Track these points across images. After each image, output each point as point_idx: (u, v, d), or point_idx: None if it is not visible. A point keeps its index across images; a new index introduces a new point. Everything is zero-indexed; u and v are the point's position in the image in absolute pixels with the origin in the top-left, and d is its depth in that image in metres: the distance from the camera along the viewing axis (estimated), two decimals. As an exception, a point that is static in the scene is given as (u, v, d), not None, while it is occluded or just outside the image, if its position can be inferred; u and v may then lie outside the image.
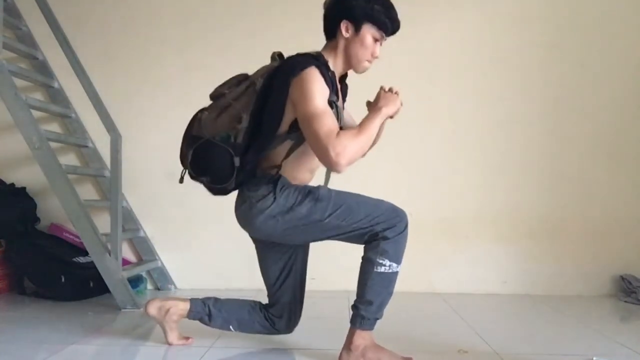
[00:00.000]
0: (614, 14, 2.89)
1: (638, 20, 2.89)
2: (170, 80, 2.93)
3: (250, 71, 1.73)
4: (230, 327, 1.79)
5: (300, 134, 1.52)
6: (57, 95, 2.91)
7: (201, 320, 1.78)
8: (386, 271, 1.56)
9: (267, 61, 1.87)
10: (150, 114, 2.93)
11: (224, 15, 2.92)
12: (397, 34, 1.68)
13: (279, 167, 1.58)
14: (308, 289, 2.85)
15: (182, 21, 2.94)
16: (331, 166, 1.44)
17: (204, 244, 2.90)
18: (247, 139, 1.53)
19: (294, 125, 1.53)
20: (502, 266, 2.86)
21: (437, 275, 2.86)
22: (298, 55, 1.58)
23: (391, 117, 1.61)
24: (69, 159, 2.91)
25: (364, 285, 1.58)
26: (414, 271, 2.83)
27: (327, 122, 1.44)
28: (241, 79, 1.64)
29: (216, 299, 1.80)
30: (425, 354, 1.76)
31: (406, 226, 1.61)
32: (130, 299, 2.39)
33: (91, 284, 2.60)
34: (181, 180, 1.66)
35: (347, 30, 1.61)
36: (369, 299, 1.58)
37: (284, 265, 1.77)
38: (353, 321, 1.62)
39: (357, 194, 1.62)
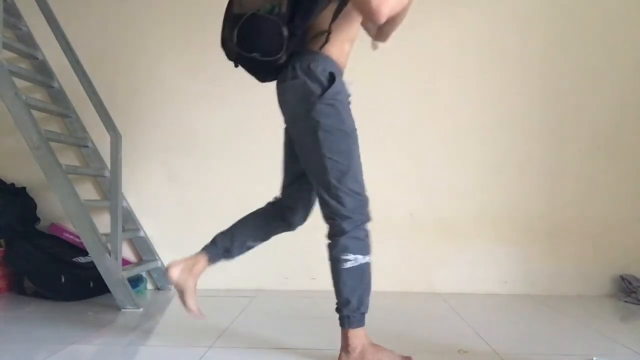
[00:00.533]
0: (615, 13, 2.89)
1: (638, 20, 2.89)
2: (171, 80, 2.93)
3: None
4: (252, 246, 1.79)
5: None
6: (57, 95, 2.91)
7: (224, 259, 1.79)
8: (353, 265, 1.56)
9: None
10: (150, 114, 2.93)
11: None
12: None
13: (329, 31, 1.54)
14: (308, 289, 2.87)
15: (183, 21, 2.94)
16: (371, 16, 1.40)
17: (204, 244, 2.89)
18: (291, 8, 1.48)
19: None
20: (502, 266, 2.86)
21: (437, 275, 2.86)
22: None
23: None
24: (69, 159, 2.90)
25: (337, 285, 1.59)
26: (414, 271, 2.84)
27: None
28: None
29: (224, 233, 1.79)
30: (425, 354, 1.75)
31: (364, 223, 1.59)
32: (130, 299, 2.38)
33: (91, 284, 2.60)
34: (236, 65, 1.61)
35: None
36: (346, 298, 1.58)
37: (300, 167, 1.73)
38: (341, 323, 1.61)
39: (360, 163, 1.61)
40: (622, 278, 2.79)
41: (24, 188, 2.87)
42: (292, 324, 2.10)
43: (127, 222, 2.85)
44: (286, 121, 1.66)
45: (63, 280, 2.55)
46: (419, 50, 2.84)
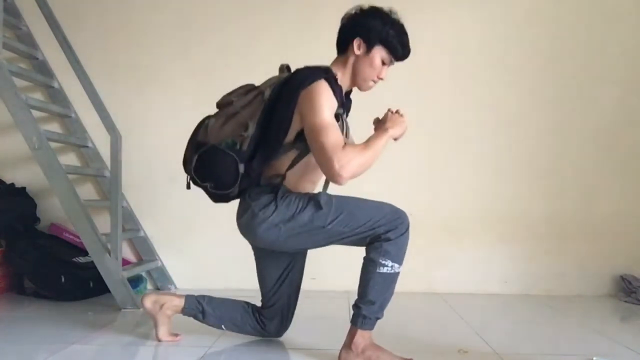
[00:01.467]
0: (616, 13, 2.89)
1: (638, 20, 2.89)
2: (171, 80, 2.93)
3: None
4: (223, 326, 1.82)
5: (306, 145, 1.54)
6: (57, 95, 2.91)
7: (195, 317, 1.81)
8: (388, 272, 1.57)
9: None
10: (151, 114, 2.93)
11: (225, 16, 2.92)
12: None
13: (283, 176, 1.60)
14: (308, 289, 2.86)
15: (183, 21, 2.94)
16: (333, 178, 1.46)
17: (203, 244, 2.90)
18: (252, 147, 1.55)
19: (300, 136, 1.55)
20: (503, 266, 2.86)
21: (437, 275, 2.86)
22: (307, 67, 1.61)
23: (395, 139, 1.66)
24: (69, 159, 2.91)
25: (366, 285, 1.59)
26: (414, 271, 2.83)
27: (334, 134, 1.47)
28: (249, 88, 1.65)
29: (210, 298, 1.82)
30: (425, 354, 1.75)
31: (407, 228, 1.61)
32: (130, 299, 2.39)
33: (91, 284, 2.60)
34: (188, 187, 1.68)
35: (358, 48, 1.65)
36: (370, 299, 1.59)
37: (282, 272, 1.80)
38: (354, 321, 1.62)
39: (358, 198, 1.63)
40: (622, 278, 2.79)
41: (24, 188, 2.87)
42: (292, 324, 2.10)
43: (127, 222, 2.85)
44: (262, 246, 1.69)
45: (63, 280, 2.55)
46: (420, 51, 2.83)
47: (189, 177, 1.66)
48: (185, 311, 1.80)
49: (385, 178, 2.79)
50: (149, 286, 2.90)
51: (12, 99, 2.34)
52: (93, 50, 2.90)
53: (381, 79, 1.68)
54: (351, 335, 1.62)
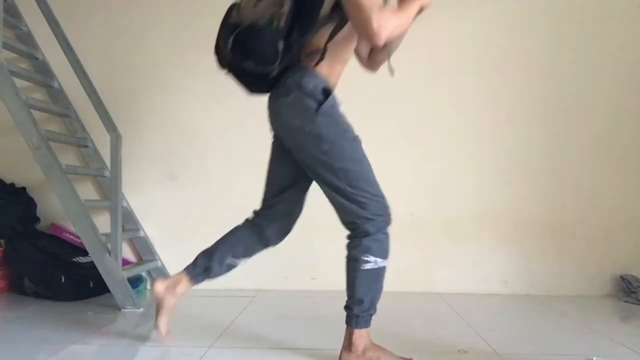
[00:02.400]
0: (616, 14, 2.89)
1: (637, 20, 2.89)
2: (171, 80, 2.93)
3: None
4: (232, 263, 1.80)
5: (342, 16, 1.51)
6: (57, 95, 2.91)
7: (207, 277, 1.80)
8: (372, 267, 1.57)
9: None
10: (150, 114, 2.93)
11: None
12: None
13: (324, 50, 1.55)
14: (308, 289, 2.87)
15: (183, 21, 2.94)
16: (371, 37, 1.42)
17: (204, 244, 2.88)
18: (289, 23, 1.49)
19: (336, 7, 1.51)
20: (503, 266, 2.86)
21: (437, 275, 2.86)
22: None
23: (423, 8, 1.58)
24: (69, 159, 2.90)
25: (353, 284, 1.60)
26: (414, 271, 2.83)
27: None
28: None
29: (204, 252, 1.81)
30: (425, 354, 1.75)
31: (388, 224, 1.61)
32: (130, 299, 2.38)
33: (91, 284, 2.59)
34: (227, 70, 1.62)
35: None
36: (359, 298, 1.59)
37: (292, 173, 1.73)
38: (348, 322, 1.62)
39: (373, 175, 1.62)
40: (622, 278, 2.79)
41: (24, 188, 2.87)
42: (292, 324, 2.10)
43: (127, 222, 2.85)
44: (283, 137, 1.67)
45: (63, 280, 2.55)
46: (420, 51, 2.84)
47: (224, 64, 1.60)
48: (193, 281, 1.78)
49: (385, 178, 2.78)
50: (149, 286, 2.90)
51: (12, 99, 2.34)
52: (93, 50, 2.90)
53: None
54: (348, 336, 1.62)
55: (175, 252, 2.91)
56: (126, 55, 2.95)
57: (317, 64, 1.56)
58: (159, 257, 2.89)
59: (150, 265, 2.82)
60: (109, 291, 2.42)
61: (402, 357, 1.63)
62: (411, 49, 2.45)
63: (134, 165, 2.85)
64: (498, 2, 2.90)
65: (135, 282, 2.70)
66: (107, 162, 2.75)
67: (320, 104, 1.53)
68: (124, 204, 2.80)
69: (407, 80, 2.85)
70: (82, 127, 2.91)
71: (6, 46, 2.56)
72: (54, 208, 2.84)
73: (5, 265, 2.71)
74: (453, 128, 2.89)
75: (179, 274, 1.81)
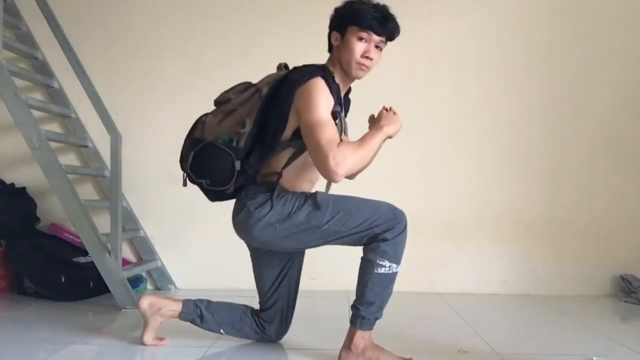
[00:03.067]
0: (616, 14, 2.89)
1: (638, 20, 2.89)
2: (171, 80, 2.93)
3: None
4: (221, 330, 1.80)
5: (302, 143, 1.53)
6: (57, 95, 2.91)
7: (192, 321, 1.78)
8: (386, 272, 1.57)
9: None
10: (150, 114, 2.93)
11: (224, 16, 2.92)
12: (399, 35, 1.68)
13: (280, 174, 1.59)
14: (308, 289, 2.85)
15: (183, 21, 2.94)
16: (329, 174, 1.46)
17: (203, 244, 2.90)
18: (249, 144, 1.54)
19: (297, 134, 1.55)
20: (503, 266, 2.86)
21: (437, 275, 2.86)
22: (305, 66, 1.61)
23: (390, 137, 1.64)
24: (69, 159, 2.90)
25: (364, 286, 1.59)
26: (414, 271, 2.83)
27: (329, 131, 1.46)
28: (247, 86, 1.65)
29: (209, 302, 1.80)
30: (425, 354, 1.75)
31: (405, 227, 1.61)
32: (130, 299, 2.39)
33: (91, 284, 2.60)
34: (184, 184, 1.67)
35: (336, 40, 1.65)
36: (369, 300, 1.58)
37: (279, 272, 1.78)
38: (353, 321, 1.62)
39: (355, 198, 1.62)
40: (622, 278, 2.79)
41: (24, 188, 2.87)
42: (292, 324, 2.10)
43: (127, 222, 2.85)
44: (257, 247, 1.70)
45: (63, 280, 2.55)
46: (419, 51, 2.84)
47: (185, 174, 1.65)
48: (182, 316, 1.77)
49: (385, 178, 2.79)
50: (149, 286, 2.90)
51: (12, 99, 2.34)
52: (93, 50, 2.90)
53: (368, 57, 1.59)
54: (350, 335, 1.62)
55: (175, 252, 2.92)
56: (126, 55, 2.95)
57: (272, 186, 1.58)
58: (159, 257, 2.89)
59: (150, 265, 2.82)
60: (109, 291, 2.42)
61: (401, 357, 1.63)
62: (411, 49, 2.48)
63: (134, 165, 2.85)
64: (498, 3, 2.90)
65: (135, 282, 2.70)
66: (107, 162, 2.75)
67: (272, 201, 1.56)
68: (124, 204, 2.80)
69: (406, 80, 2.85)
70: (82, 127, 2.91)
71: (6, 46, 2.56)
72: (54, 208, 2.84)
73: (5, 265, 2.71)
74: (453, 128, 2.89)
75: (174, 300, 1.80)
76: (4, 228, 2.67)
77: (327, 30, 1.76)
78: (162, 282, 2.89)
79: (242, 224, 1.63)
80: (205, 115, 1.66)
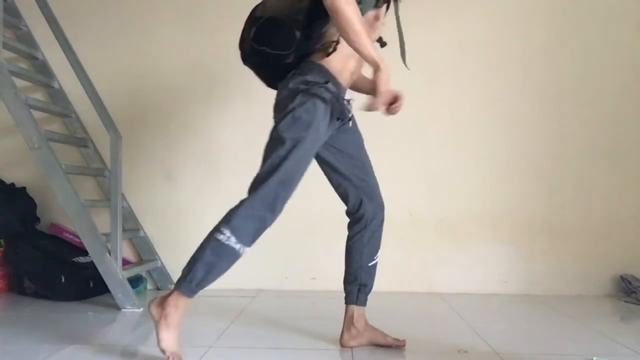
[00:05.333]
0: (616, 14, 2.89)
1: (638, 20, 2.89)
2: (171, 80, 2.93)
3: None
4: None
5: None
6: (57, 95, 2.91)
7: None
8: (222, 241, 1.53)
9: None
10: (150, 114, 2.93)
11: (224, 16, 2.92)
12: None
13: (337, 42, 1.61)
14: (308, 289, 2.86)
15: (183, 21, 2.94)
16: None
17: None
18: (307, 15, 1.59)
19: None
20: (502, 266, 2.86)
21: (437, 275, 2.86)
22: None
23: (378, 74, 1.54)
24: (69, 159, 2.90)
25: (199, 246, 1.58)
26: (414, 271, 2.84)
27: None
28: None
29: None
30: (425, 354, 1.76)
31: (267, 218, 1.57)
32: (130, 299, 2.38)
33: (91, 284, 2.59)
34: (244, 59, 1.70)
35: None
36: (191, 259, 1.57)
37: (342, 166, 1.81)
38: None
39: (300, 165, 1.60)
40: (622, 278, 2.79)
41: (24, 188, 2.87)
42: (292, 324, 2.10)
43: (127, 222, 2.84)
44: (274, 114, 1.69)
45: (63, 280, 2.54)
46: (419, 50, 2.83)
47: (246, 53, 1.68)
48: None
49: (385, 178, 2.79)
50: (149, 286, 2.91)
51: (12, 99, 2.34)
52: (93, 50, 2.90)
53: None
54: (168, 293, 1.59)
55: (175, 252, 2.91)
56: (126, 55, 2.95)
57: (329, 54, 1.62)
58: (159, 257, 2.89)
59: (150, 265, 2.82)
60: (109, 291, 2.41)
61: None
62: (411, 49, 2.45)
63: (134, 165, 2.85)
64: (498, 3, 2.90)
65: (135, 282, 2.70)
66: (107, 162, 2.75)
67: (312, 86, 1.58)
68: (124, 204, 2.79)
69: (406, 80, 2.84)
70: (82, 127, 2.91)
71: (6, 46, 2.56)
72: (54, 208, 2.85)
73: (5, 265, 2.71)
74: (453, 128, 2.89)
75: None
76: (4, 228, 2.67)
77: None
78: (162, 282, 2.89)
79: (283, 87, 1.65)
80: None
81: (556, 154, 2.88)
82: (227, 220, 1.56)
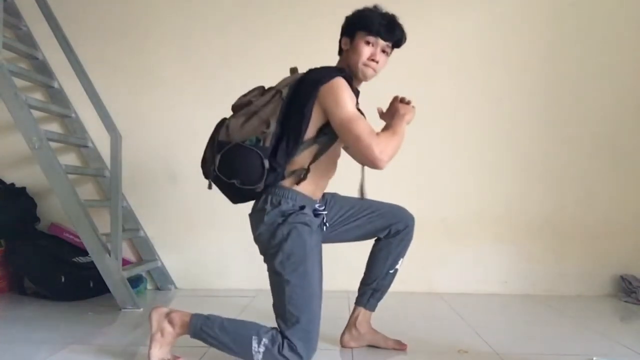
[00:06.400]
0: (616, 14, 2.89)
1: (637, 20, 2.89)
2: (171, 80, 2.93)
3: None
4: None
5: (327, 139, 1.60)
6: (57, 95, 2.91)
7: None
8: (253, 350, 1.55)
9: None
10: (150, 114, 2.93)
11: (224, 16, 2.93)
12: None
13: (307, 169, 1.61)
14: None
15: (182, 21, 2.94)
16: (375, 162, 1.50)
17: (204, 244, 2.90)
18: (275, 143, 1.57)
19: (321, 131, 1.59)
20: (503, 266, 2.86)
21: (437, 275, 2.86)
22: (322, 67, 1.66)
23: (408, 123, 1.71)
24: (69, 159, 2.91)
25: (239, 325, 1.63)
26: (414, 271, 2.83)
27: (365, 124, 1.54)
28: (263, 89, 1.68)
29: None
30: (425, 354, 1.76)
31: (297, 355, 1.55)
32: (130, 299, 2.39)
33: (91, 284, 2.60)
34: (209, 187, 1.68)
35: (345, 44, 1.71)
36: (222, 324, 1.60)
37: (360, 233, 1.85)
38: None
39: (312, 288, 1.58)
40: (622, 278, 2.79)
41: (24, 188, 2.87)
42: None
43: (127, 222, 2.85)
44: (259, 247, 1.69)
45: (63, 280, 2.55)
46: (419, 51, 2.84)
47: (210, 177, 1.66)
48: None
49: (385, 178, 2.79)
50: (149, 286, 2.91)
51: (12, 99, 2.34)
52: (93, 51, 2.90)
53: (374, 60, 1.66)
54: (178, 312, 1.63)
55: (175, 252, 2.92)
56: (126, 55, 2.95)
57: (299, 182, 1.61)
58: (159, 257, 2.89)
59: (150, 265, 2.82)
60: (109, 291, 2.42)
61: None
62: (411, 49, 2.46)
63: (134, 165, 2.85)
64: (498, 2, 2.90)
65: (135, 282, 2.70)
66: (107, 162, 2.75)
67: (288, 216, 1.57)
68: (124, 204, 2.80)
69: (406, 80, 2.85)
70: (82, 127, 2.91)
71: (6, 46, 2.56)
72: (54, 208, 2.85)
73: (5, 265, 2.71)
74: (453, 128, 2.89)
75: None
76: (4, 228, 2.68)
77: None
78: (162, 282, 2.89)
79: (257, 218, 1.63)
80: (226, 119, 1.68)
81: (556, 154, 2.88)
82: (272, 342, 1.54)
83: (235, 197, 1.69)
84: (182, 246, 2.92)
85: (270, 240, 1.58)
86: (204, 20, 2.94)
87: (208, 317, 1.61)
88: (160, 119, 2.92)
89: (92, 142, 2.91)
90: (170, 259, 2.91)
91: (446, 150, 2.88)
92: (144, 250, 2.89)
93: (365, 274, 1.85)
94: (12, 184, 2.87)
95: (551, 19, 2.89)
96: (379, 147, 1.49)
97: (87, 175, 2.91)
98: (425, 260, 2.84)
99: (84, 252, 2.55)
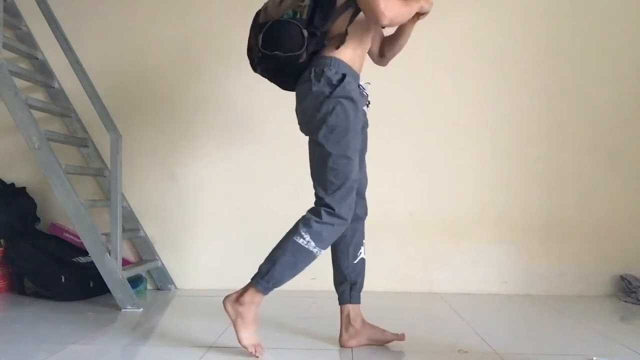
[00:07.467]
0: (617, 14, 2.88)
1: (637, 20, 2.88)
2: (171, 80, 2.93)
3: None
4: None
5: (357, 4, 1.63)
6: (57, 95, 2.91)
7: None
8: (303, 245, 1.63)
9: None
10: (151, 114, 2.93)
11: (224, 16, 2.92)
12: None
13: (345, 32, 1.66)
14: (308, 289, 2.86)
15: (182, 21, 2.94)
16: (377, 16, 1.56)
17: (204, 244, 2.90)
18: (310, 14, 1.63)
19: None
20: (503, 266, 2.86)
21: (437, 275, 2.86)
22: None
23: (424, 14, 1.76)
24: (69, 159, 2.90)
25: (277, 245, 1.68)
26: (414, 271, 2.84)
27: None
28: None
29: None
30: (425, 354, 1.76)
31: (339, 219, 1.64)
32: (130, 299, 2.38)
33: (91, 284, 2.59)
34: (254, 69, 1.75)
35: None
36: (270, 258, 1.67)
37: None
38: (253, 277, 1.71)
39: (352, 160, 1.65)
40: (622, 278, 2.79)
41: (24, 188, 2.87)
42: (292, 324, 2.10)
43: (127, 222, 2.84)
44: (300, 121, 1.75)
45: (63, 280, 2.54)
46: (420, 51, 2.84)
47: (256, 63, 1.72)
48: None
49: (386, 178, 2.79)
50: (149, 286, 2.91)
51: (12, 99, 2.34)
52: (93, 50, 2.90)
53: None
54: (243, 290, 1.69)
55: (175, 252, 2.92)
56: (126, 55, 2.95)
57: (339, 46, 1.66)
58: (159, 257, 2.89)
59: (150, 265, 2.82)
60: (109, 291, 2.41)
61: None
62: (411, 49, 2.47)
63: (134, 165, 2.85)
64: (498, 2, 2.90)
65: (135, 282, 2.70)
66: (107, 162, 2.75)
67: (334, 88, 1.62)
68: (124, 204, 2.79)
69: (407, 80, 2.85)
70: (82, 127, 2.91)
71: (6, 46, 2.56)
72: (54, 208, 2.85)
73: (5, 265, 2.71)
74: (453, 128, 2.88)
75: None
76: (4, 228, 2.67)
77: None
78: (162, 282, 2.89)
79: (305, 89, 1.68)
80: (264, 4, 1.74)
81: (557, 154, 2.87)
82: (307, 225, 1.63)
83: (283, 75, 1.73)
84: (182, 246, 2.92)
85: (315, 114, 1.63)
86: (204, 20, 2.94)
87: (259, 272, 1.68)
88: (160, 118, 2.92)
89: (92, 142, 2.91)
90: (170, 259, 2.90)
91: (446, 150, 2.88)
92: (144, 250, 2.89)
93: (334, 274, 1.87)
94: (12, 184, 2.87)
95: (551, 19, 2.89)
96: (386, 3, 1.54)
97: (87, 175, 2.91)
98: (425, 260, 2.84)
99: (84, 252, 2.55)
